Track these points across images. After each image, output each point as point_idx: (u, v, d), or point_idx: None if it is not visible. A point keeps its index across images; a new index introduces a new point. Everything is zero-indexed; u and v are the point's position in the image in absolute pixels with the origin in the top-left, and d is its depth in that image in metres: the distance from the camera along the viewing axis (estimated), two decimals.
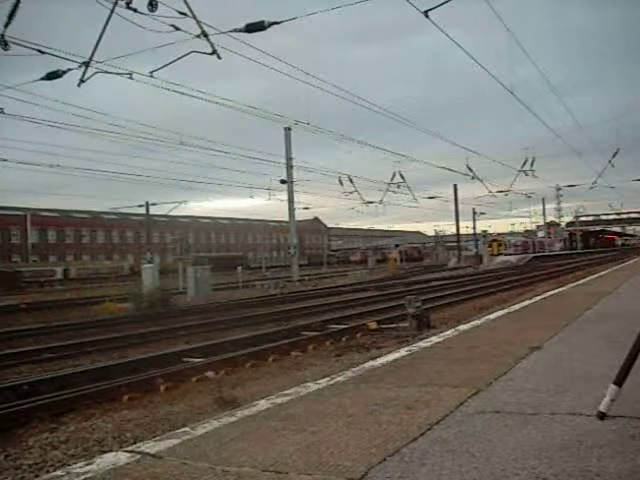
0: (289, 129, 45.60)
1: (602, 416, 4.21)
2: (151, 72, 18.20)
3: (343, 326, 17.49)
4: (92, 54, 15.90)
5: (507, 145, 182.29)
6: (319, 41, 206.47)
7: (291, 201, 48.04)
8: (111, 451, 4.53)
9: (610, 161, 50.97)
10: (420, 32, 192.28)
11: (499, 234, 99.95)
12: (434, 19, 13.83)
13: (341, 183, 53.11)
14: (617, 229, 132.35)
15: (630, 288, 17.34)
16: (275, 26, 14.98)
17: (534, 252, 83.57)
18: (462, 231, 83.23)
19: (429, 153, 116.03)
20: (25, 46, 15.25)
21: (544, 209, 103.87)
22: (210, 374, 11.66)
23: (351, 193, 55.40)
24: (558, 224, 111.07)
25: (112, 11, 14.40)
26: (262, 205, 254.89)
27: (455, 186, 75.97)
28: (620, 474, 3.23)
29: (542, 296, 16.27)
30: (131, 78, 18.66)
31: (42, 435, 7.68)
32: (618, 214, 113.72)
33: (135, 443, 4.80)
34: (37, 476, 5.79)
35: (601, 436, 3.90)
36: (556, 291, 18.05)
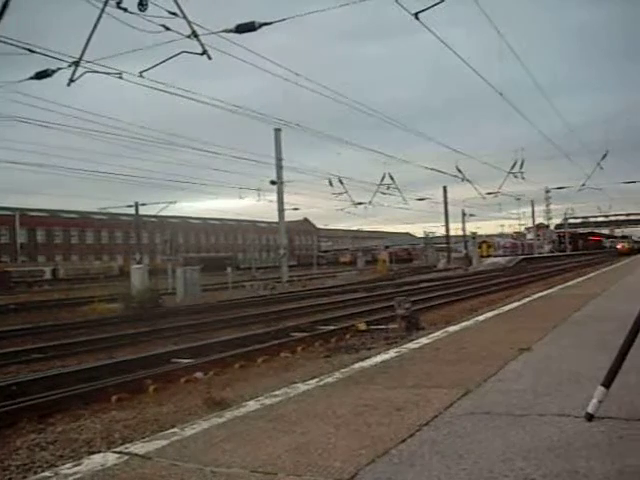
0: (279, 130, 45.59)
1: (590, 417, 4.23)
2: (141, 72, 18.15)
3: (332, 327, 17.49)
4: (82, 53, 15.84)
5: (497, 147, 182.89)
6: (315, 41, 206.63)
7: (281, 202, 47.95)
8: (100, 452, 4.51)
9: (599, 163, 51.22)
10: (415, 33, 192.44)
11: (488, 236, 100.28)
12: (426, 21, 13.90)
13: (331, 184, 53.13)
14: (605, 231, 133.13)
15: (618, 290, 17.42)
16: (270, 26, 15.02)
17: (523, 254, 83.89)
18: (452, 233, 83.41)
19: (420, 155, 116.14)
20: (15, 45, 15.19)
21: (533, 211, 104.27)
22: (199, 375, 11.65)
23: (341, 194, 55.41)
24: (547, 226, 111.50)
25: (102, 10, 14.35)
26: (252, 206, 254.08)
27: (445, 188, 76.12)
28: (608, 475, 3.25)
29: (531, 298, 16.33)
30: (121, 78, 18.60)
31: (30, 436, 7.65)
32: (606, 216, 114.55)
33: (124, 444, 4.79)
34: (25, 477, 5.77)
35: (589, 437, 3.92)
36: (545, 293, 18.12)
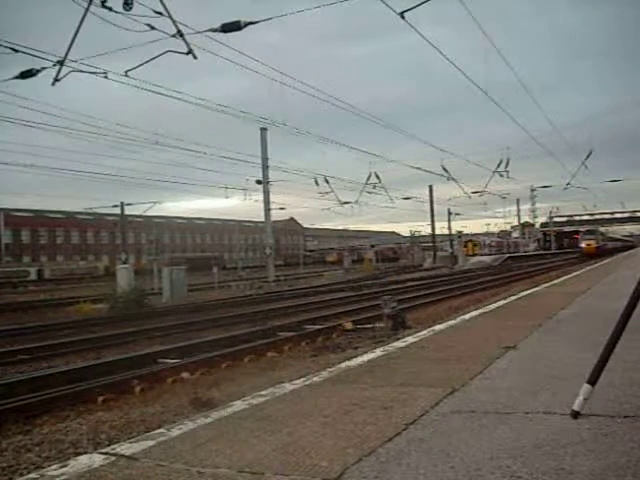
0: (265, 129, 45.55)
1: (576, 415, 4.25)
2: (126, 71, 18.08)
3: (319, 326, 17.52)
4: (66, 53, 15.78)
5: (483, 146, 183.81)
6: (301, 40, 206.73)
7: (267, 201, 47.94)
8: (86, 453, 4.48)
9: (583, 162, 51.48)
10: (400, 33, 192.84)
11: (474, 234, 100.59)
12: (412, 20, 13.91)
13: (317, 183, 53.19)
14: None
15: (603, 288, 17.50)
16: (255, 25, 15.02)
17: (509, 252, 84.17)
18: (438, 231, 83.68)
19: (406, 154, 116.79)
20: None
21: (518, 210, 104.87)
22: (186, 375, 11.62)
23: (327, 194, 55.51)
24: (532, 225, 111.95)
25: (87, 9, 14.29)
26: (238, 205, 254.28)
27: (430, 187, 76.40)
28: (593, 472, 3.26)
29: (517, 296, 16.36)
30: (106, 77, 18.53)
31: (16, 437, 7.60)
32: (591, 215, 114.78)
33: (110, 445, 4.76)
34: (11, 479, 5.73)
35: (575, 435, 3.93)
36: (531, 291, 18.16)
